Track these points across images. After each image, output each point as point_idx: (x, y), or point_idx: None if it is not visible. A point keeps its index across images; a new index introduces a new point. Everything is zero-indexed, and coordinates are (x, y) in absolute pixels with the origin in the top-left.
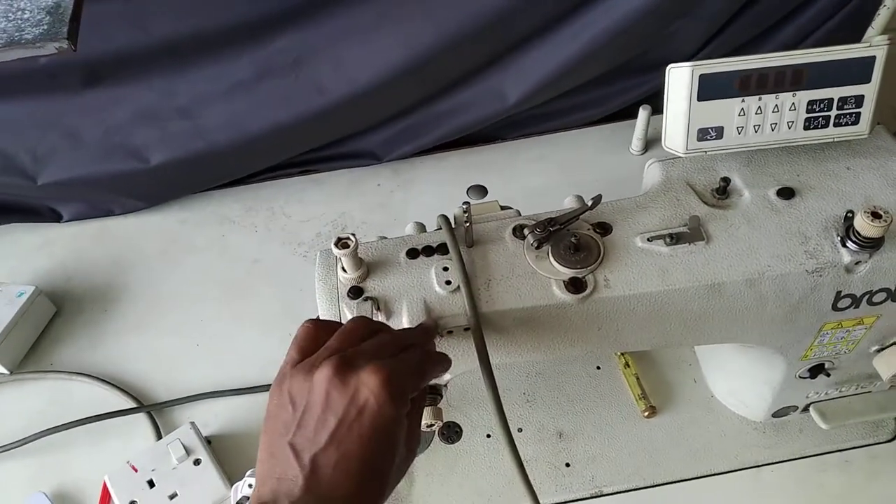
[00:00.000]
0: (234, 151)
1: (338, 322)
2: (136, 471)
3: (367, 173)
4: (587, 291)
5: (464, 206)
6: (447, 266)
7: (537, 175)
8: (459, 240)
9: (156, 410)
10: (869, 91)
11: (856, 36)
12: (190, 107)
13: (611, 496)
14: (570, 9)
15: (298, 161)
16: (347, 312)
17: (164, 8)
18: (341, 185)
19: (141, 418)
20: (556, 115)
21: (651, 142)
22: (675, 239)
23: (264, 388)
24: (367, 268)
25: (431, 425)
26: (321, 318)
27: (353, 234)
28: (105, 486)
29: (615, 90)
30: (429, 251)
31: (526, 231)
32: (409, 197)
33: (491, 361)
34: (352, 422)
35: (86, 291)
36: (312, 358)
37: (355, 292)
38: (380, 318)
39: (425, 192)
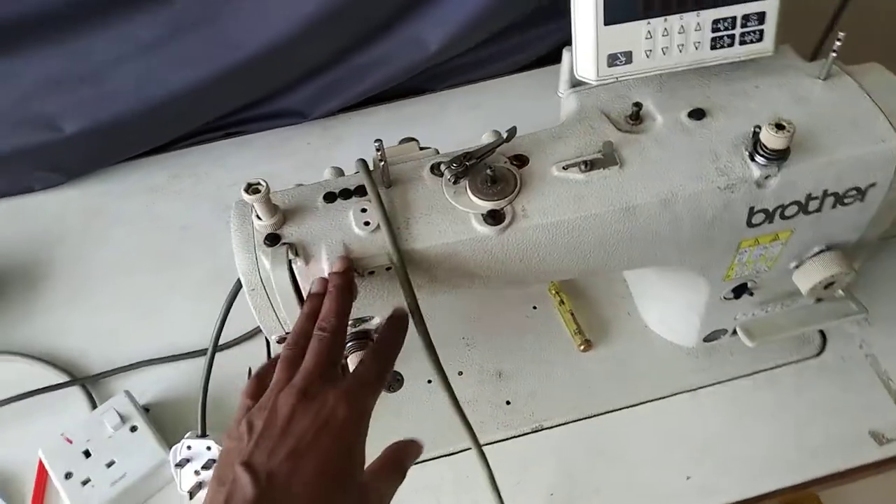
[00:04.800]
0: (152, 115)
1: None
2: (70, 442)
3: (294, 132)
4: (506, 222)
5: (376, 145)
6: (365, 207)
7: (468, 125)
8: (377, 181)
9: (90, 383)
10: (770, 7)
11: None
12: (100, 71)
13: (551, 429)
14: None
15: (222, 124)
16: (265, 260)
17: None
18: (268, 145)
19: (75, 392)
20: (483, 63)
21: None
22: (589, 165)
23: (201, 352)
24: (282, 214)
25: None
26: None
27: (264, 180)
28: (41, 461)
29: (538, 34)
30: (346, 194)
31: (443, 167)
32: (340, 154)
33: (417, 300)
34: (311, 440)
35: (10, 270)
36: (265, 397)
37: (271, 239)
38: (298, 263)
39: (356, 148)
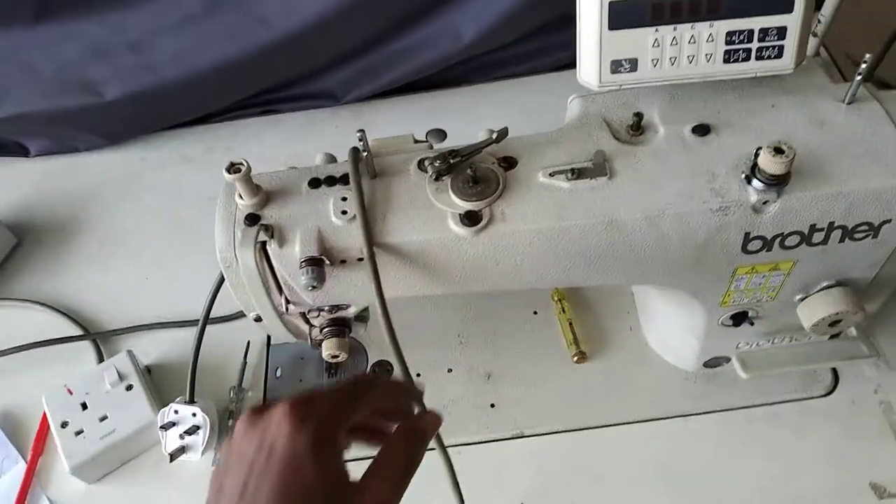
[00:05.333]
0: (185, 87)
1: None
2: (71, 393)
3: (326, 115)
4: (481, 224)
5: (359, 135)
6: (346, 196)
7: (499, 120)
8: (363, 172)
9: (101, 338)
10: (792, 22)
11: None
12: (141, 41)
13: (532, 438)
14: None
15: (258, 101)
16: (240, 236)
17: None
18: (300, 126)
19: (87, 346)
20: (524, 58)
21: None
22: (576, 174)
23: (211, 321)
24: (265, 195)
25: (336, 356)
26: None
27: (246, 160)
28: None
29: None
30: (331, 181)
31: (426, 163)
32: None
33: (388, 295)
34: (262, 469)
35: (47, 224)
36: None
37: (251, 219)
38: (272, 245)
39: (384, 135)
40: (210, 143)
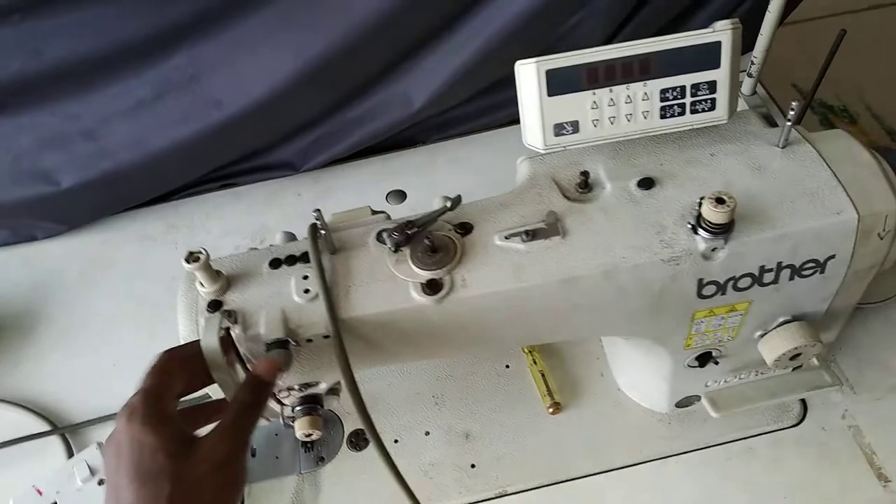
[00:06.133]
0: (140, 171)
1: None
2: (40, 493)
3: (286, 184)
4: (443, 292)
5: (315, 214)
6: (307, 274)
7: (454, 177)
8: (323, 248)
9: (70, 432)
10: (721, 76)
11: None
12: (94, 128)
13: (515, 495)
14: (462, 9)
15: (217, 176)
16: (203, 324)
17: (55, 32)
18: (261, 197)
19: (56, 440)
20: (473, 116)
21: None
22: (531, 235)
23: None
24: (227, 280)
25: (309, 435)
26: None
27: (204, 248)
28: None
29: None
30: (292, 260)
31: (385, 235)
32: (329, 205)
33: (358, 368)
34: (117, 474)
35: (7, 317)
36: None
37: (214, 305)
38: (236, 330)
39: (345, 200)
40: (171, 221)
